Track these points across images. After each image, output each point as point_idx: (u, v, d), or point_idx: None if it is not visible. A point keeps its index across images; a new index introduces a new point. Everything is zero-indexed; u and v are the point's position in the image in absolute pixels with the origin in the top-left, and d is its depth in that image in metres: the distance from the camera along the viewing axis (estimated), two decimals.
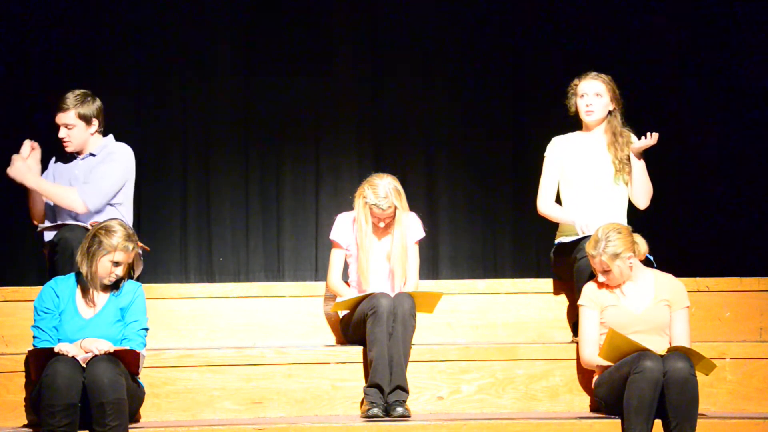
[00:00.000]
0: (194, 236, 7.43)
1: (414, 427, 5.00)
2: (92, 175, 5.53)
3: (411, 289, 5.48)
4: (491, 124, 7.60)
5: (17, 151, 5.52)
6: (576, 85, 5.72)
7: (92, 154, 5.61)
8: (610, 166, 5.66)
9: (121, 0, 7.34)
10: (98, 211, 5.50)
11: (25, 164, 5.49)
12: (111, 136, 5.68)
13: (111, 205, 5.54)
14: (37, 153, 5.57)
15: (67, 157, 5.65)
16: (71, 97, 5.56)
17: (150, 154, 7.25)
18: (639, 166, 5.63)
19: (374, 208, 5.43)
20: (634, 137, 5.70)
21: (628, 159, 5.65)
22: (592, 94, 5.66)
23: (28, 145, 5.56)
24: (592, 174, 5.67)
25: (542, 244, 7.00)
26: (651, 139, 5.54)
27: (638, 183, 5.64)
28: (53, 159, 5.70)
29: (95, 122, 5.59)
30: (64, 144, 5.58)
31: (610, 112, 5.70)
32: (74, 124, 5.55)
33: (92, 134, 5.60)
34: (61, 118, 5.56)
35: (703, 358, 5.02)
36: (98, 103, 5.62)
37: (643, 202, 5.68)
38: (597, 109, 5.68)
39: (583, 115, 5.71)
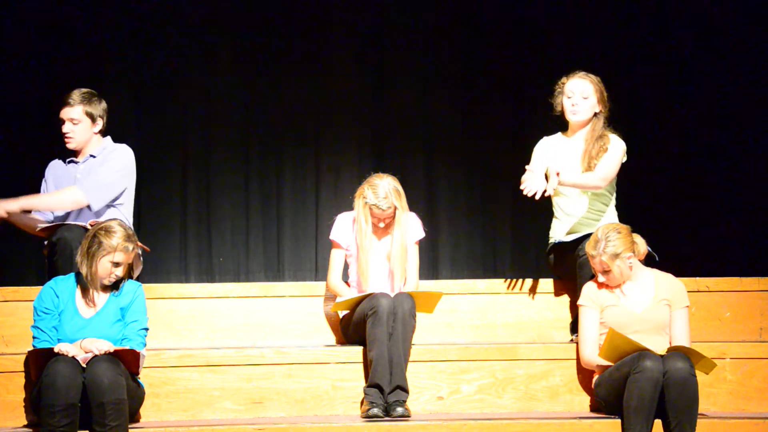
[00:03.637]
0: (194, 236, 7.42)
1: (414, 427, 4.99)
2: (94, 174, 5.51)
3: (411, 289, 5.48)
4: (491, 124, 7.59)
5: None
6: (563, 84, 5.64)
7: (92, 156, 5.60)
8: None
9: (121, 0, 7.34)
10: (99, 213, 5.50)
11: None
12: (109, 137, 5.66)
13: (112, 206, 5.53)
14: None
15: (66, 161, 5.63)
16: (78, 94, 5.54)
17: (150, 154, 7.23)
18: (564, 186, 5.52)
19: (374, 209, 5.43)
20: (616, 138, 5.60)
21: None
22: (579, 95, 5.59)
23: None
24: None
25: (542, 244, 6.97)
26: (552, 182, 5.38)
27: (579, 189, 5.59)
28: (51, 163, 5.66)
29: (100, 122, 5.58)
30: (66, 140, 5.56)
31: (595, 114, 5.65)
32: (80, 119, 5.53)
33: (95, 133, 5.60)
34: (67, 112, 5.53)
35: (703, 358, 5.02)
36: (104, 104, 5.61)
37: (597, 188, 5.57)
38: (582, 110, 5.61)
39: (568, 115, 5.66)
